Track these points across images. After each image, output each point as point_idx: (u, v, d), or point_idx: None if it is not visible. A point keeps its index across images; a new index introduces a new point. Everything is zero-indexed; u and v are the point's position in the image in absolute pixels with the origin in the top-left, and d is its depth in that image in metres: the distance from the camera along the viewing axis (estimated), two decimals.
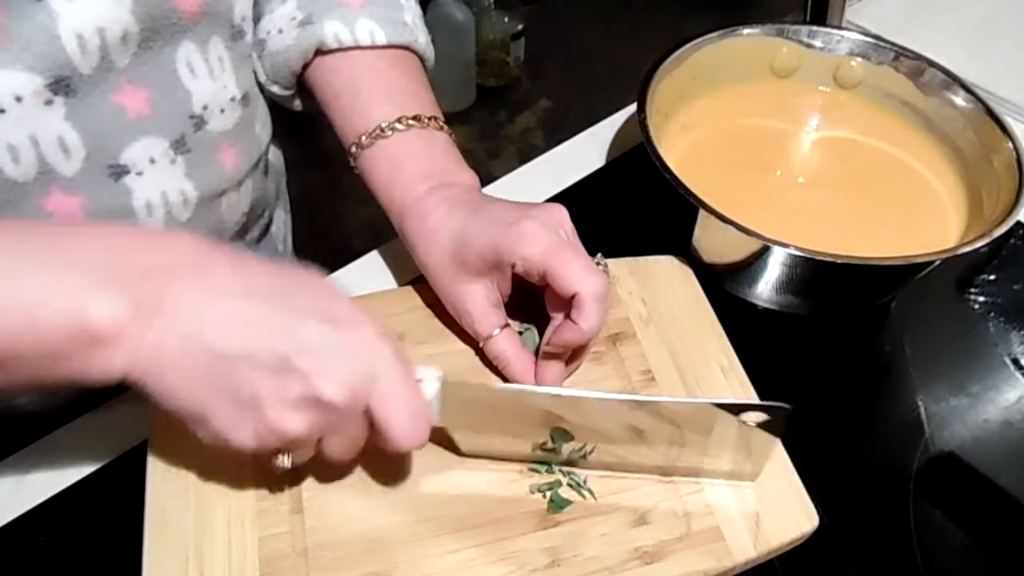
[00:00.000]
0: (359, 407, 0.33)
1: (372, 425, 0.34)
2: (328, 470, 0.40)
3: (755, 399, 0.44)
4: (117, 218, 0.41)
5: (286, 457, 0.35)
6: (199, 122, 0.43)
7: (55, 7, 0.35)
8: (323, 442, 0.35)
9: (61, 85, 0.36)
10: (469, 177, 0.46)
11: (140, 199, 0.42)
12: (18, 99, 0.36)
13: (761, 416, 0.37)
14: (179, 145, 0.42)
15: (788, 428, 0.38)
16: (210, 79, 0.43)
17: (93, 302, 0.30)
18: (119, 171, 0.40)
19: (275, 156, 0.59)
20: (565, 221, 0.42)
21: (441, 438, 0.40)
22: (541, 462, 0.41)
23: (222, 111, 0.44)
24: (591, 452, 0.39)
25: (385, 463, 0.40)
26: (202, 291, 0.32)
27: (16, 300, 0.30)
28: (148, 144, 0.41)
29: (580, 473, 0.40)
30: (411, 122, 0.46)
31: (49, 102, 0.36)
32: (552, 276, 0.39)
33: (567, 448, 0.39)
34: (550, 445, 0.39)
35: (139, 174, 0.41)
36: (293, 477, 0.39)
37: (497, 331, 0.43)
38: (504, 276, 0.42)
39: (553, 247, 0.39)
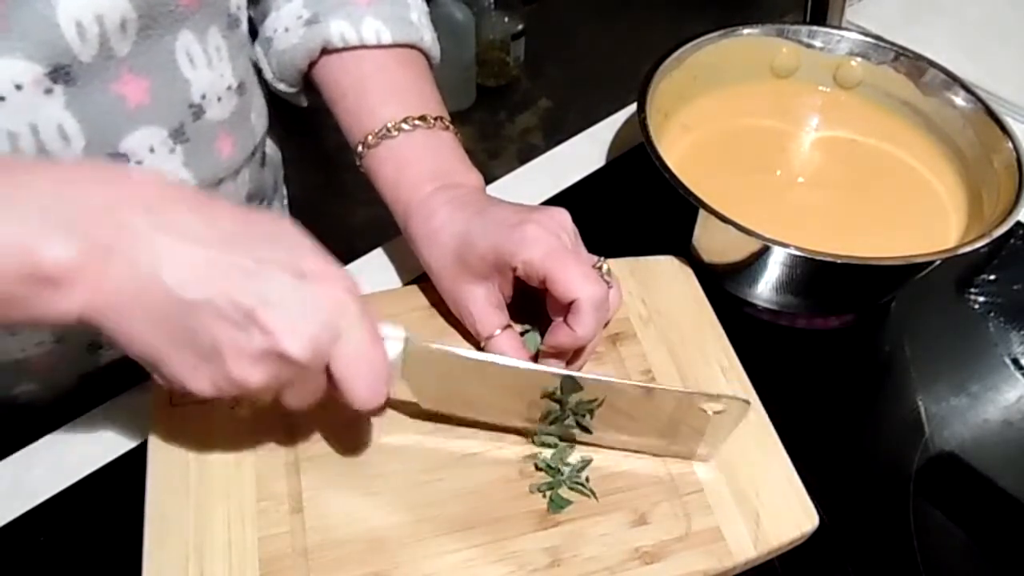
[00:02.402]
0: (321, 363, 0.33)
1: (332, 379, 0.34)
2: (328, 469, 0.39)
3: (754, 397, 0.44)
4: None
5: (244, 406, 0.34)
6: (198, 111, 0.43)
7: None
8: (282, 393, 0.34)
9: (61, 73, 0.36)
10: (475, 178, 0.46)
11: None
12: (18, 87, 0.35)
13: (718, 406, 0.38)
14: (178, 134, 0.42)
15: (778, 419, 0.39)
16: (208, 68, 0.43)
17: (45, 243, 0.29)
18: (119, 160, 0.40)
19: (272, 149, 0.59)
20: (568, 225, 0.42)
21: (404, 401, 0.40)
22: (539, 435, 0.41)
23: (219, 100, 0.44)
24: (600, 404, 0.39)
25: (385, 463, 0.40)
26: (163, 232, 0.30)
27: None
28: (147, 133, 0.41)
29: (580, 473, 0.40)
30: (417, 122, 0.46)
31: (49, 90, 0.36)
32: (552, 281, 0.39)
33: (574, 399, 0.39)
34: (557, 396, 0.39)
35: (138, 163, 0.41)
36: (293, 478, 0.39)
37: (498, 331, 0.43)
38: (505, 278, 0.42)
39: (554, 252, 0.39)
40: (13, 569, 0.39)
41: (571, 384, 0.38)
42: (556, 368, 0.41)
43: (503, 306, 0.43)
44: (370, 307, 0.34)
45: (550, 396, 0.39)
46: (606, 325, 0.45)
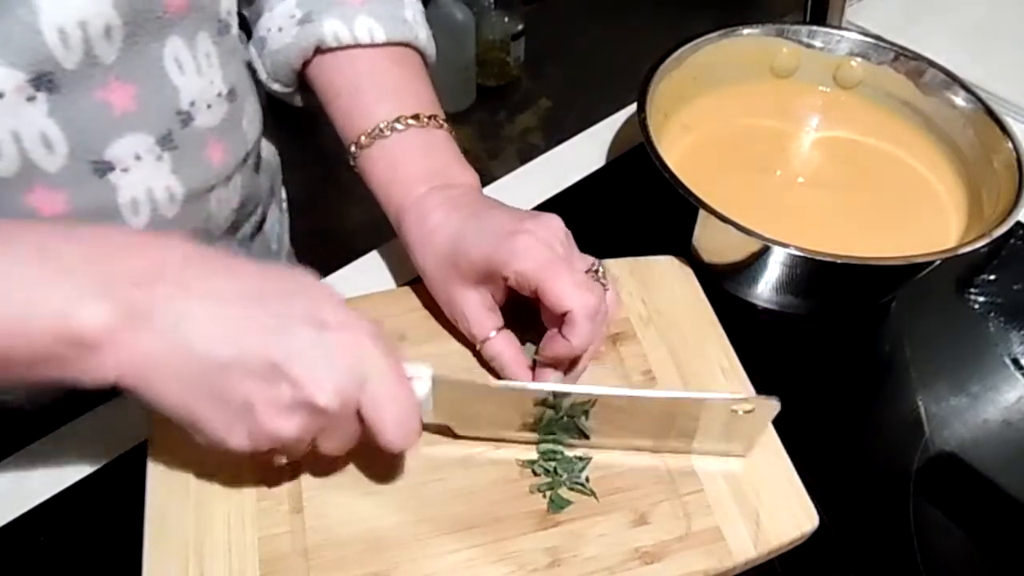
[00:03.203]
0: (350, 410, 0.34)
1: (364, 423, 0.35)
2: (329, 469, 0.40)
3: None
4: (102, 215, 0.41)
5: (282, 456, 0.36)
6: (186, 118, 0.43)
7: (36, 1, 0.34)
8: (317, 440, 0.35)
9: (43, 80, 0.36)
10: (470, 177, 0.46)
11: (125, 196, 0.41)
12: None
13: (748, 407, 0.38)
14: (166, 141, 0.42)
15: (778, 419, 0.39)
16: (197, 75, 0.43)
17: (82, 308, 0.30)
18: (104, 168, 0.40)
19: (269, 153, 0.59)
20: (560, 234, 0.41)
21: (438, 426, 0.41)
22: (541, 441, 0.41)
23: (209, 107, 0.44)
24: (592, 405, 0.39)
25: (385, 463, 0.40)
26: (189, 297, 0.32)
27: (5, 304, 0.30)
28: (134, 140, 0.41)
29: (580, 473, 0.40)
30: (410, 121, 0.46)
31: (31, 98, 0.36)
32: (544, 292, 0.39)
33: (567, 403, 0.39)
34: (550, 402, 0.39)
35: (124, 171, 0.41)
36: (293, 477, 0.39)
37: (493, 333, 0.43)
38: (498, 286, 0.42)
39: (546, 263, 0.39)
40: (13, 569, 0.39)
41: (562, 395, 0.38)
42: (570, 386, 0.40)
43: (496, 309, 0.43)
44: (394, 349, 0.35)
45: (542, 403, 0.39)
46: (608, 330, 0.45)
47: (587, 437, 0.40)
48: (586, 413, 0.39)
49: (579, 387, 0.39)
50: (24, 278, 0.30)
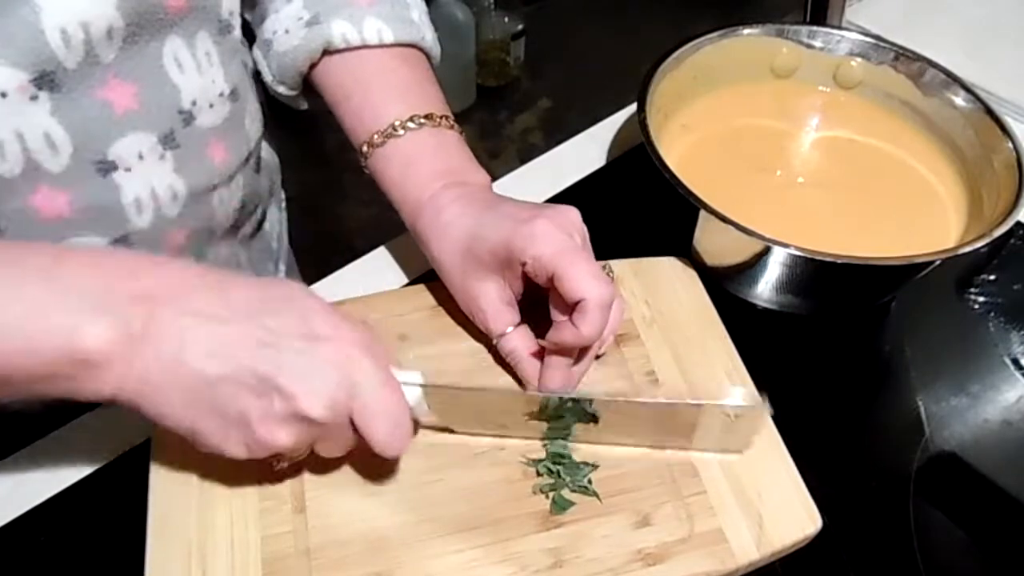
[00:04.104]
0: (343, 419, 0.35)
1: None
2: (331, 469, 0.40)
3: (757, 398, 0.44)
4: (106, 215, 0.41)
5: (282, 461, 0.37)
6: (188, 117, 0.43)
7: (38, 1, 0.34)
8: (315, 446, 0.36)
9: (45, 80, 0.36)
10: (482, 176, 0.46)
11: (129, 195, 0.41)
12: (2, 94, 0.35)
13: (739, 412, 0.39)
14: (168, 140, 0.42)
15: (777, 419, 0.40)
16: (198, 74, 0.43)
17: (87, 326, 0.31)
18: (107, 167, 0.40)
19: (268, 153, 0.59)
20: (578, 224, 0.42)
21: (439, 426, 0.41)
22: (550, 429, 0.41)
23: (211, 106, 0.44)
24: (597, 410, 0.39)
25: (387, 463, 0.40)
26: (185, 316, 0.33)
27: (12, 322, 0.31)
28: (136, 140, 0.41)
29: (585, 477, 0.40)
30: (423, 121, 0.46)
31: (34, 97, 0.36)
32: (560, 279, 0.39)
33: (562, 398, 0.39)
34: (552, 403, 0.39)
35: (127, 170, 0.41)
36: (296, 477, 0.39)
37: (510, 328, 0.43)
38: (515, 274, 0.41)
39: (564, 250, 0.39)
40: (13, 569, 0.39)
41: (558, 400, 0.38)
42: (563, 391, 0.41)
43: (514, 303, 0.43)
44: (385, 356, 0.36)
45: (544, 407, 0.39)
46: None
47: (596, 421, 0.40)
48: (590, 406, 0.39)
49: (573, 392, 0.39)
50: (29, 296, 0.32)
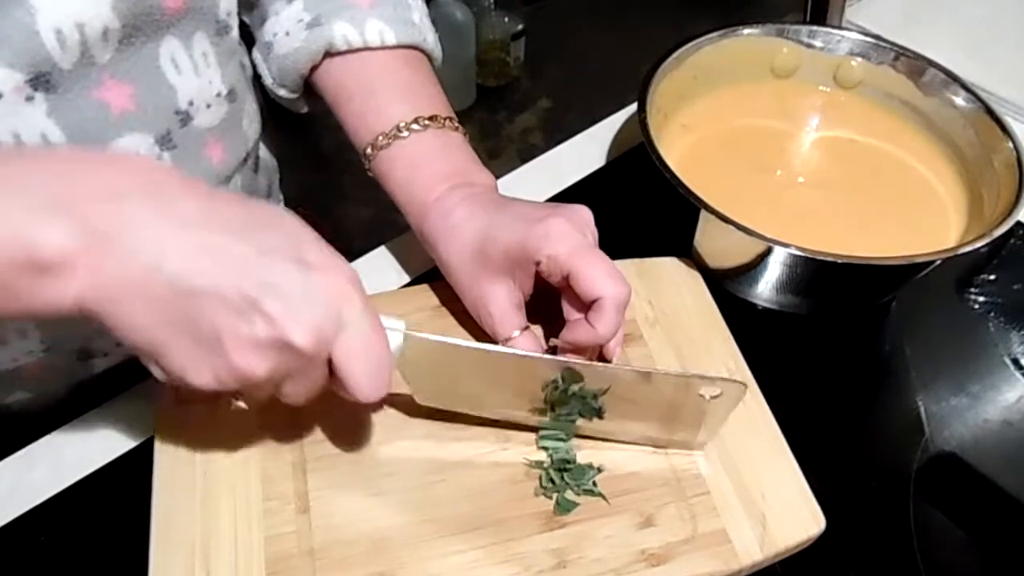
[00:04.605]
0: (324, 354, 0.32)
1: (332, 372, 0.33)
2: (335, 470, 0.40)
3: (759, 398, 0.44)
4: None
5: (241, 399, 0.34)
6: (185, 118, 0.43)
7: (33, 3, 0.34)
8: (282, 386, 0.33)
9: (41, 81, 0.36)
10: (487, 177, 0.46)
11: None
12: None
13: (716, 390, 0.38)
14: (165, 141, 0.42)
15: (778, 419, 0.40)
16: (195, 75, 0.43)
17: (39, 228, 0.28)
18: None
19: (266, 154, 0.59)
20: (591, 223, 0.41)
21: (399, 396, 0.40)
22: (552, 420, 0.41)
23: (208, 107, 0.44)
24: (604, 393, 0.39)
25: (391, 464, 0.40)
26: (164, 218, 0.30)
27: None
28: (133, 140, 0.40)
29: (588, 474, 0.40)
30: (427, 122, 0.46)
31: (30, 98, 0.36)
32: (576, 278, 0.39)
33: (575, 387, 0.38)
34: (560, 385, 0.38)
35: None
36: (298, 477, 0.39)
37: (517, 332, 0.42)
38: (527, 274, 0.41)
39: (580, 248, 0.39)
40: (13, 569, 0.39)
41: (571, 375, 0.38)
42: (557, 357, 0.40)
43: (523, 307, 0.43)
44: (370, 299, 0.34)
45: (552, 387, 0.39)
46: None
47: (601, 416, 0.40)
48: (595, 396, 0.39)
49: (551, 357, 0.38)
50: None
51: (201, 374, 0.31)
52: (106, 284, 0.29)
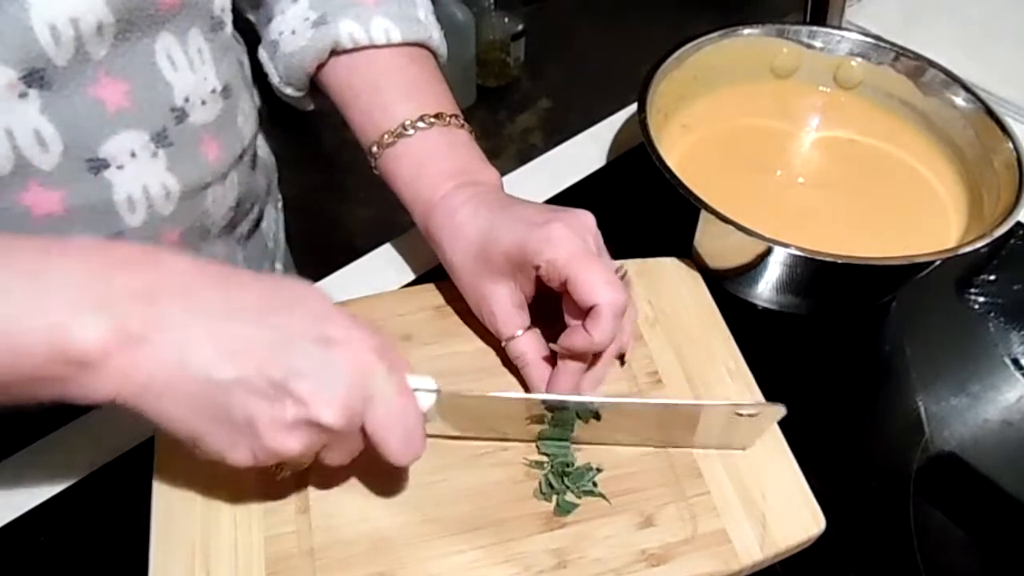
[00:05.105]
0: (356, 427, 0.34)
1: (367, 437, 0.35)
2: (334, 471, 0.39)
3: (760, 398, 0.44)
4: (98, 213, 0.41)
5: (285, 470, 0.36)
6: (181, 115, 0.42)
7: None
8: (321, 454, 0.35)
9: (35, 77, 0.36)
10: (493, 175, 0.46)
11: (121, 193, 0.41)
12: None
13: (753, 411, 0.39)
14: (160, 138, 0.42)
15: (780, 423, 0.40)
16: (190, 71, 0.42)
17: (76, 325, 0.30)
18: (98, 165, 0.40)
19: (265, 152, 0.58)
20: (593, 228, 0.41)
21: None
22: (552, 426, 0.41)
23: (203, 103, 0.44)
24: (601, 407, 0.39)
25: (391, 464, 0.40)
26: (190, 313, 0.32)
27: None
28: (128, 137, 0.40)
29: (588, 476, 0.40)
30: (433, 120, 0.46)
31: (23, 95, 0.36)
32: (573, 284, 0.39)
33: (574, 402, 0.39)
34: (556, 406, 0.39)
35: (119, 168, 0.40)
36: (299, 478, 0.39)
37: (520, 332, 0.42)
38: (528, 277, 0.41)
39: (579, 254, 0.39)
40: (13, 569, 0.39)
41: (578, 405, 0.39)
42: (571, 396, 0.41)
43: (525, 307, 0.43)
44: (399, 362, 0.35)
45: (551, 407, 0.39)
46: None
47: (598, 418, 0.40)
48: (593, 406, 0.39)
49: (581, 397, 0.39)
50: (15, 293, 0.30)
51: (239, 455, 0.33)
52: (141, 379, 0.31)
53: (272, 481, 0.39)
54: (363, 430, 0.34)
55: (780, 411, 0.39)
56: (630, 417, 0.40)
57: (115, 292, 0.31)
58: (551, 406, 0.39)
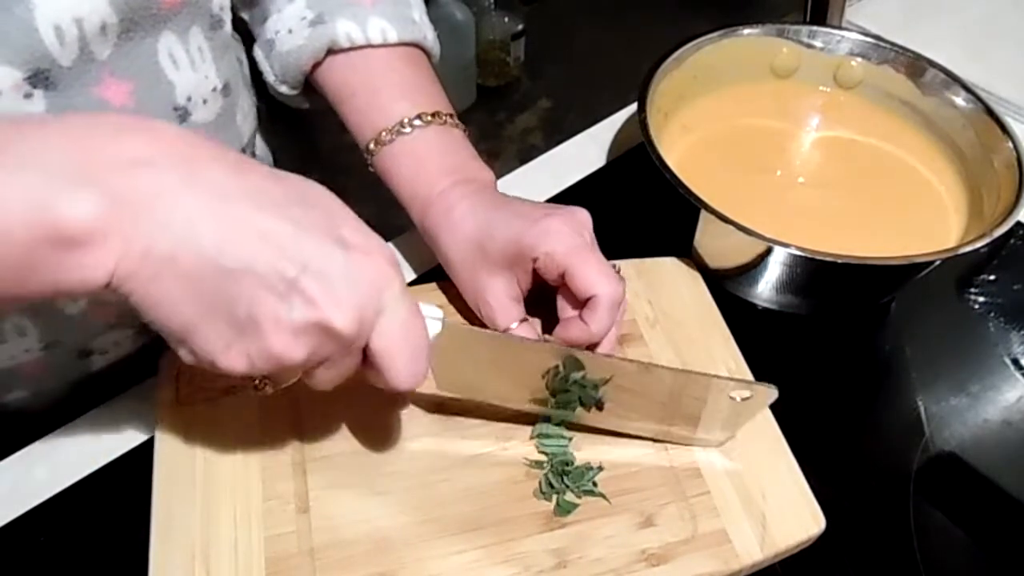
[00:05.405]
0: (363, 338, 0.31)
1: (365, 359, 0.32)
2: (335, 470, 0.40)
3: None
4: None
5: (268, 385, 0.33)
6: (183, 114, 0.43)
7: None
8: (313, 371, 0.32)
9: (40, 78, 0.36)
10: (487, 173, 0.47)
11: None
12: None
13: (746, 393, 0.39)
14: None
15: (778, 419, 0.40)
16: (192, 70, 0.42)
17: (65, 199, 0.26)
18: None
19: (263, 151, 0.59)
20: (588, 224, 0.42)
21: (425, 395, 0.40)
22: (543, 417, 0.41)
23: (204, 102, 0.44)
24: (605, 383, 0.39)
25: (392, 463, 0.40)
26: (198, 190, 0.28)
27: None
28: None
29: (588, 475, 0.40)
30: (430, 118, 0.46)
31: (29, 95, 0.36)
32: (571, 276, 0.39)
33: (576, 375, 0.38)
34: (561, 373, 0.38)
35: None
36: (300, 477, 0.39)
37: (515, 324, 0.43)
38: (524, 271, 0.42)
39: (576, 247, 0.40)
40: (13, 569, 0.39)
41: (574, 363, 0.38)
42: (578, 351, 0.39)
43: (520, 299, 0.44)
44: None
45: (554, 374, 0.39)
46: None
47: (600, 408, 0.40)
48: (596, 387, 0.39)
49: (588, 353, 0.38)
50: None
51: (234, 358, 0.29)
52: (136, 259, 0.27)
53: (273, 481, 0.39)
54: (364, 352, 0.32)
55: (772, 393, 0.38)
56: (632, 404, 0.40)
57: (104, 163, 0.27)
58: (554, 389, 0.39)
